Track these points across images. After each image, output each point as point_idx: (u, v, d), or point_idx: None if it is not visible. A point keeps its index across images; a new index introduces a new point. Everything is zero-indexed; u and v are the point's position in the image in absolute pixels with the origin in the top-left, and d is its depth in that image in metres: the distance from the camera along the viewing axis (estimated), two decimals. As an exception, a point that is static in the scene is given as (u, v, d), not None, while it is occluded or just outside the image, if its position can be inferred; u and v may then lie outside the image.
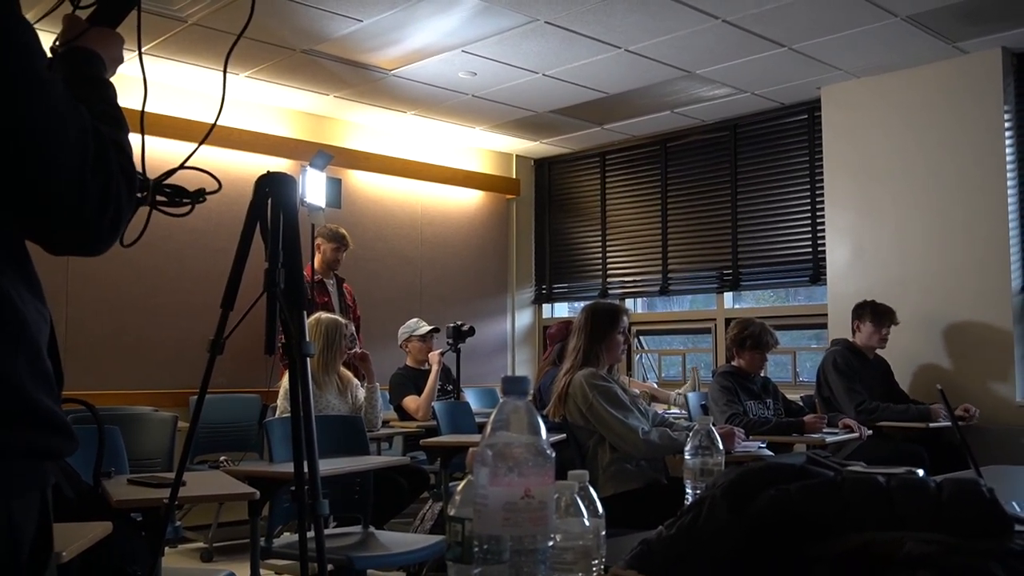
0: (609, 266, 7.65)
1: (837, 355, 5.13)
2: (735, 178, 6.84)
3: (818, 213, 6.32)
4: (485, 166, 7.88)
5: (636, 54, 5.50)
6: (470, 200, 7.78)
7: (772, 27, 5.10)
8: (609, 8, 4.83)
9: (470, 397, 6.22)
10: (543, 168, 8.18)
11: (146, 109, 1.49)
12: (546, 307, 8.20)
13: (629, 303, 7.60)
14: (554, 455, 1.06)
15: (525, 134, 7.41)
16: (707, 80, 6.00)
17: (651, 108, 6.64)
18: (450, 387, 5.94)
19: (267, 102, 6.46)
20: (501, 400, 1.09)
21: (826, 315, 6.11)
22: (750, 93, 6.28)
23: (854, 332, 5.26)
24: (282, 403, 4.37)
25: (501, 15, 4.90)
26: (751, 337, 4.65)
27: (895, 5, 4.80)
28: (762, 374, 4.81)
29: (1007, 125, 5.40)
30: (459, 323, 6.01)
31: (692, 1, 4.75)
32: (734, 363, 4.72)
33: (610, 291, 7.58)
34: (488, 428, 1.07)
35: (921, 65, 5.65)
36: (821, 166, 6.23)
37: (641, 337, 7.43)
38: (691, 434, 1.69)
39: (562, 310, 8.26)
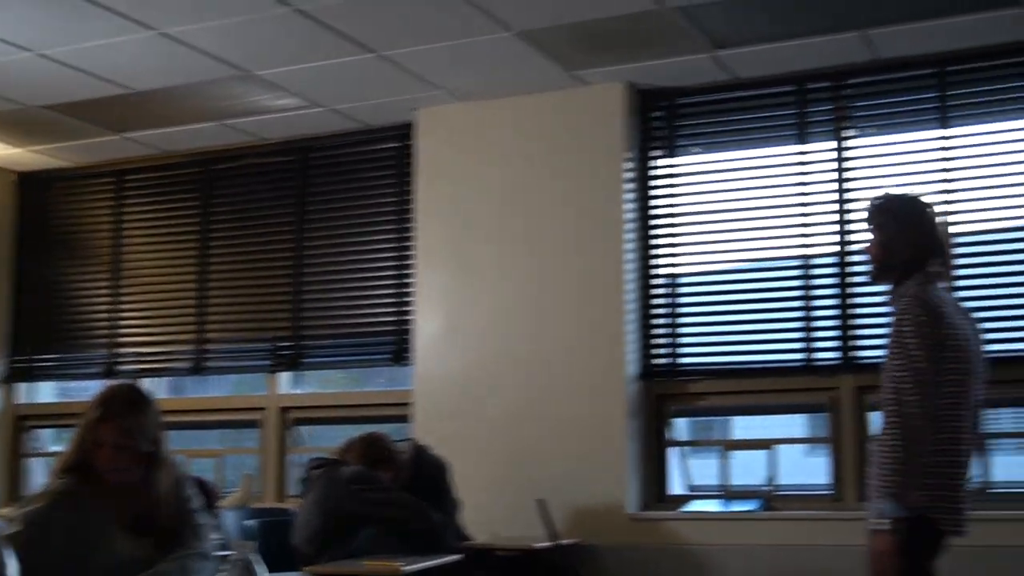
0: (122, 332, 7.43)
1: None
2: (302, 219, 7.00)
3: (406, 272, 6.63)
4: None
5: (176, 40, 5.52)
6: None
7: (358, 25, 5.38)
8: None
9: None
10: (31, 186, 7.80)
11: None
12: (24, 388, 7.77)
13: (148, 384, 7.41)
14: None
15: (3, 135, 7.05)
16: (271, 85, 6.16)
17: (193, 116, 6.66)
18: None
19: None
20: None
21: (409, 404, 6.40)
22: (327, 108, 6.53)
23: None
24: None
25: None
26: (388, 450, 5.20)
27: (509, 15, 5.30)
28: None
29: (627, 176, 6.14)
30: None
31: (254, -26, 4.90)
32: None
33: (122, 367, 7.36)
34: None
35: (534, 93, 6.25)
36: (412, 211, 6.57)
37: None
38: (231, 564, 1.72)
39: (47, 392, 7.83)
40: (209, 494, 3.86)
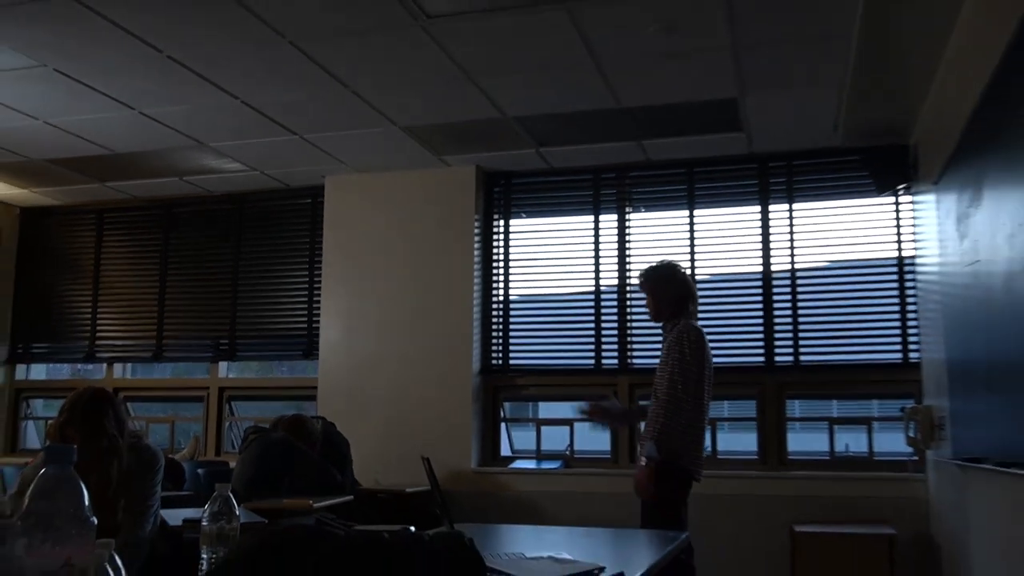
0: (99, 328, 7.13)
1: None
2: (238, 251, 6.86)
3: (315, 292, 6.57)
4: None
5: (149, 117, 5.37)
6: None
7: (288, 115, 5.34)
8: (124, 69, 4.67)
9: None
10: (31, 218, 7.42)
11: None
12: (20, 368, 7.36)
13: (118, 368, 7.16)
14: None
15: (12, 179, 6.71)
16: (219, 153, 6.04)
17: (158, 172, 6.45)
18: None
19: None
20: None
21: (315, 387, 6.36)
22: (259, 172, 6.43)
23: None
24: None
25: (2, 53, 4.49)
26: (308, 429, 5.12)
27: (396, 115, 5.33)
28: None
29: (476, 232, 6.22)
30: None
31: (215, 79, 4.80)
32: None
33: (98, 354, 7.09)
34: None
35: (412, 169, 6.27)
36: (321, 249, 6.53)
37: (129, 404, 7.03)
38: (211, 499, 1.74)
39: (40, 372, 7.49)
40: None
